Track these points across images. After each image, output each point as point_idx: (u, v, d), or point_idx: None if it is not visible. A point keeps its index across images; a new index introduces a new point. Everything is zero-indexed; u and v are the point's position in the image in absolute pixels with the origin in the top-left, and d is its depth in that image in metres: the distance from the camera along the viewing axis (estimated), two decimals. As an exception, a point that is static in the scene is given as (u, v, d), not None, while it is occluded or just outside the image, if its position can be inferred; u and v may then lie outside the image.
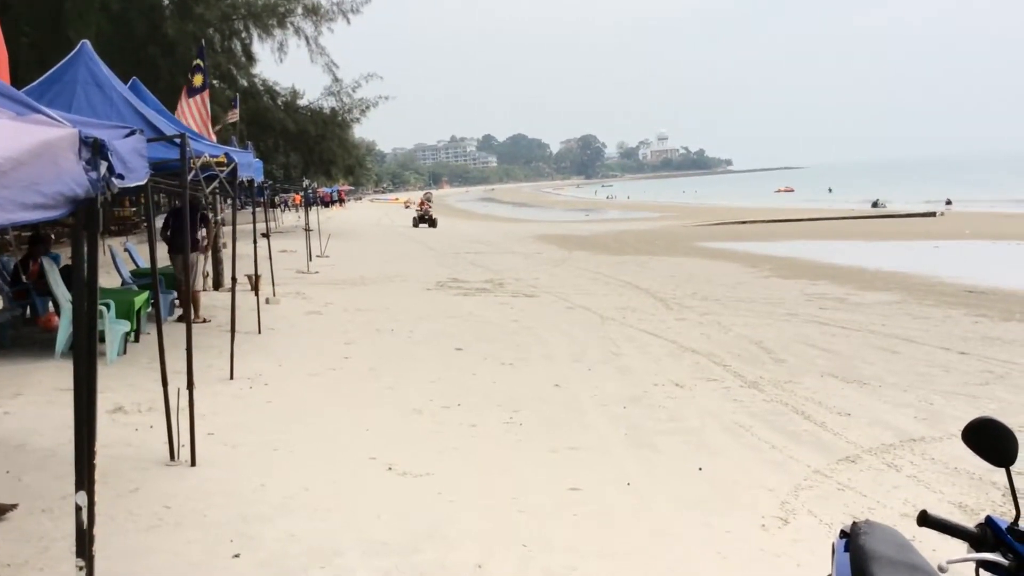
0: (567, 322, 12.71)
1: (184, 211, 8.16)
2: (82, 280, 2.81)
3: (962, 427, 2.29)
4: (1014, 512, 2.16)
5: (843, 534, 2.59)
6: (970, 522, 2.36)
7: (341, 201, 78.28)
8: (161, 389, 5.87)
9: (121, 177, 2.96)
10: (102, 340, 8.65)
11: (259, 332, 10.86)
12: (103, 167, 2.68)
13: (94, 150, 2.64)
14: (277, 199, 46.93)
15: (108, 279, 11.95)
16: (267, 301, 13.18)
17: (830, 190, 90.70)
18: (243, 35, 26.40)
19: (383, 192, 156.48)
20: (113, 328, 8.93)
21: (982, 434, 2.23)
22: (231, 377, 8.36)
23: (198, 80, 11.04)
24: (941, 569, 2.11)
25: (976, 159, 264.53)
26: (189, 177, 6.13)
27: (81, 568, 2.76)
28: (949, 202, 52.40)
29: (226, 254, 15.54)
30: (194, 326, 6.72)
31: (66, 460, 4.31)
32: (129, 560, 4.24)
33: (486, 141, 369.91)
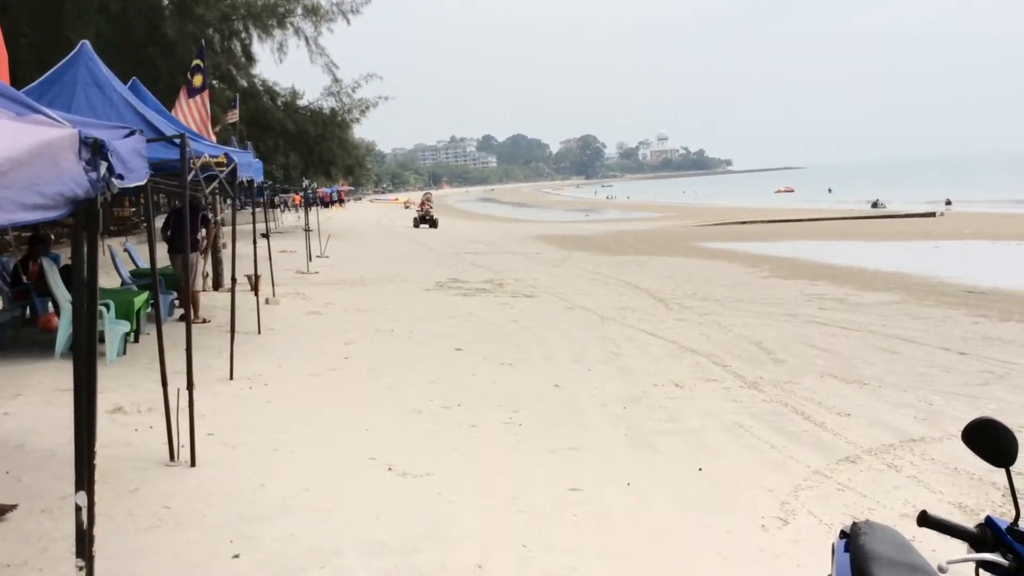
0: (567, 322, 12.71)
1: (184, 211, 8.17)
2: (82, 280, 2.81)
3: (962, 427, 2.29)
4: (1014, 512, 2.16)
5: (843, 534, 2.59)
6: (970, 522, 2.35)
7: (341, 201, 78.30)
8: (161, 389, 5.87)
9: (121, 177, 2.96)
10: (102, 340, 8.65)
11: (259, 332, 10.86)
12: (103, 167, 2.68)
13: (94, 150, 2.64)
14: (277, 199, 46.93)
15: (108, 279, 11.96)
16: (267, 301, 13.18)
17: (830, 190, 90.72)
18: (243, 35, 26.41)
19: (383, 192, 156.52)
20: (113, 328, 8.93)
21: (982, 434, 2.23)
22: (231, 377, 8.36)
23: (198, 80, 11.04)
24: (941, 569, 2.11)
25: (976, 159, 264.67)
26: (189, 177, 6.13)
27: (81, 568, 2.76)
28: (949, 202, 52.39)
29: (226, 254, 15.56)
30: (194, 326, 6.72)
31: (66, 460, 4.32)
32: (129, 560, 4.24)
33: (486, 141, 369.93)
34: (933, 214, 44.24)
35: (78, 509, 2.73)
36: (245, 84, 27.69)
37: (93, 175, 2.61)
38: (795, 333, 11.62)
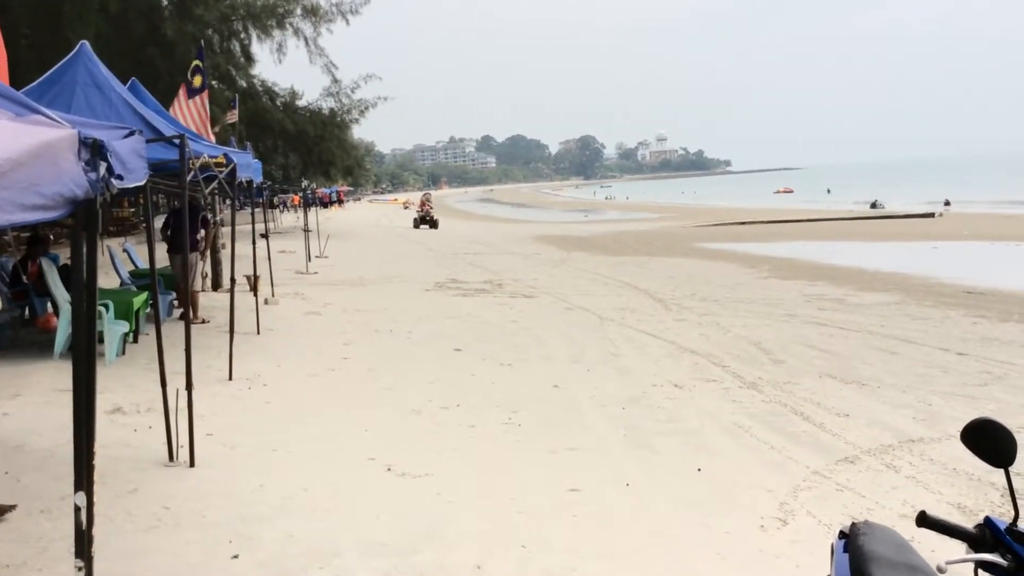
0: (566, 323, 12.71)
1: (183, 212, 8.18)
2: (81, 281, 2.81)
3: (961, 428, 2.29)
4: (1013, 513, 2.16)
5: (842, 535, 2.59)
6: (969, 523, 2.36)
7: (340, 202, 78.27)
8: (160, 390, 5.87)
9: (120, 178, 2.96)
10: (101, 341, 8.65)
11: (258, 333, 10.86)
12: (102, 168, 2.68)
13: (93, 151, 2.64)
14: (276, 200, 46.93)
15: (107, 280, 11.95)
16: (266, 302, 13.18)
17: (829, 191, 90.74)
18: (242, 36, 26.41)
19: (382, 193, 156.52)
20: (112, 329, 8.92)
21: (981, 435, 2.23)
22: (230, 378, 8.36)
23: (197, 81, 11.04)
24: (940, 570, 2.11)
25: (975, 160, 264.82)
26: (188, 178, 6.13)
27: (80, 569, 2.76)
28: (948, 203, 52.42)
29: (225, 255, 15.56)
30: (193, 327, 6.72)
31: (65, 461, 4.32)
32: (128, 561, 4.24)
33: (485, 142, 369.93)
34: (932, 215, 44.27)
35: (77, 509, 2.73)
36: (244, 84, 27.69)
37: (92, 175, 2.61)
38: (794, 334, 11.63)
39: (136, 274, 12.90)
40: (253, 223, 11.24)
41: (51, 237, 12.60)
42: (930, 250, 25.48)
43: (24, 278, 9.90)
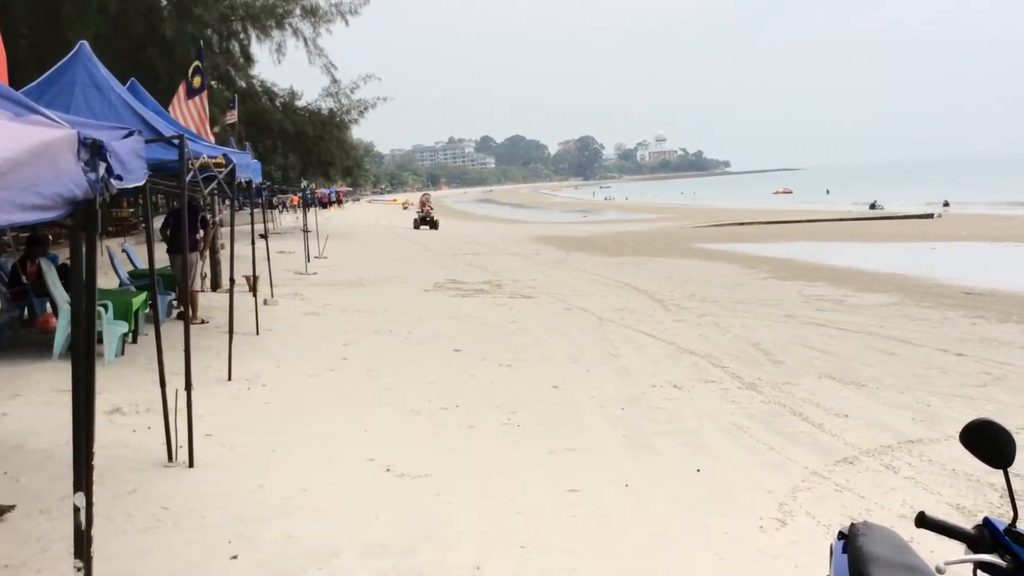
0: (565, 323, 12.72)
1: (182, 212, 8.18)
2: (80, 281, 2.81)
3: (960, 429, 2.29)
4: (1012, 513, 2.16)
5: (841, 535, 2.59)
6: (968, 523, 2.36)
7: (339, 202, 78.27)
8: (159, 390, 5.87)
9: (120, 178, 2.96)
10: (100, 341, 8.65)
11: (257, 333, 10.86)
12: (102, 168, 2.68)
13: (93, 151, 2.64)
14: (275, 200, 46.93)
15: (106, 280, 11.94)
16: (265, 302, 13.17)
17: (828, 192, 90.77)
18: (241, 36, 26.35)
19: (381, 193, 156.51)
20: (111, 329, 8.92)
21: (980, 436, 2.24)
22: (229, 378, 8.36)
23: (196, 81, 11.05)
24: (939, 570, 2.12)
25: (974, 161, 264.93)
26: (187, 178, 6.13)
27: (79, 569, 2.76)
28: (947, 204, 52.43)
29: (224, 255, 15.55)
30: (192, 327, 6.71)
31: (64, 461, 4.32)
32: (127, 561, 4.23)
33: (484, 142, 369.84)
34: (931, 215, 44.29)
35: (76, 510, 2.73)
36: (244, 85, 27.65)
37: (92, 176, 2.61)
38: (793, 334, 11.63)
39: (135, 274, 12.89)
40: (252, 223, 11.24)
41: (50, 237, 12.60)
42: (929, 251, 25.49)
43: (23, 278, 9.90)
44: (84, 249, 2.75)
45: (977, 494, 5.56)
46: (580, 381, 8.86)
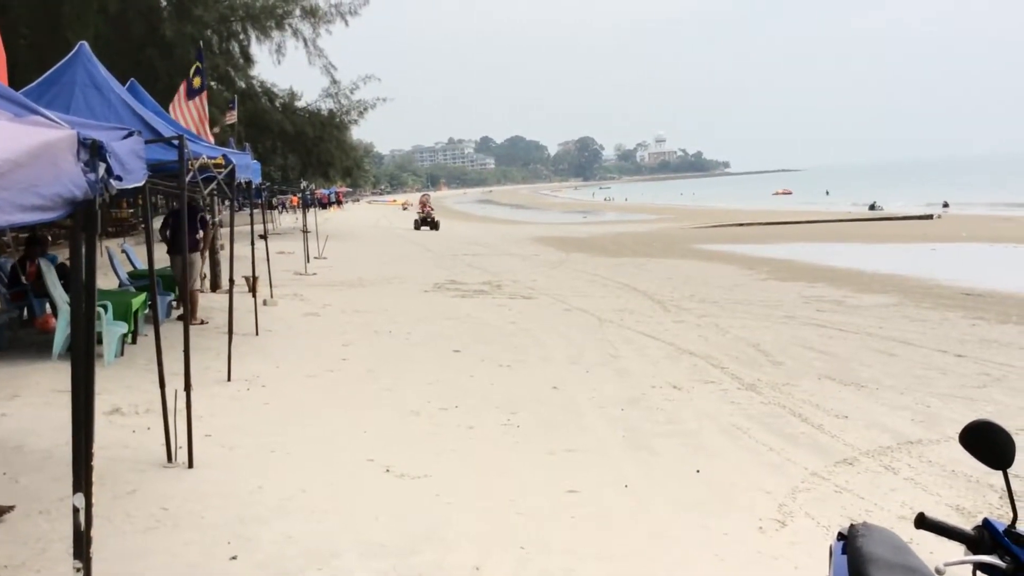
0: (565, 324, 12.72)
1: (182, 212, 8.18)
2: (80, 282, 2.81)
3: (959, 430, 2.29)
4: (1011, 514, 2.16)
5: (841, 536, 2.59)
6: (967, 525, 2.36)
7: (339, 203, 78.26)
8: (158, 391, 5.87)
9: (119, 179, 2.96)
10: (99, 342, 8.64)
11: (256, 334, 10.85)
12: (101, 169, 2.68)
13: (92, 152, 2.64)
14: (275, 201, 46.92)
15: (105, 281, 11.94)
16: (264, 303, 13.17)
17: (827, 193, 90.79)
18: (241, 37, 26.35)
19: (381, 194, 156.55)
20: (110, 330, 8.92)
21: (979, 437, 2.24)
22: (228, 379, 8.36)
23: (196, 82, 11.05)
24: (938, 571, 2.12)
25: (973, 162, 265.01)
26: (187, 179, 6.13)
27: (78, 570, 2.76)
28: (946, 205, 52.42)
29: (224, 256, 15.54)
30: (191, 328, 6.71)
31: (63, 462, 4.31)
32: (126, 562, 4.23)
33: (484, 143, 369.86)
34: (930, 216, 44.30)
35: (76, 510, 2.73)
36: (243, 85, 27.64)
37: (91, 176, 2.61)
38: (793, 335, 11.63)
39: (135, 275, 12.89)
40: (252, 224, 11.23)
41: (49, 238, 12.61)
42: (928, 252, 25.50)
43: (23, 279, 9.90)
44: (84, 250, 2.75)
45: (977, 495, 5.56)
46: (580, 382, 8.86)
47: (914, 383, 8.76)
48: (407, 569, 4.30)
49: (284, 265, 20.26)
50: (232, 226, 12.41)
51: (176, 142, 5.93)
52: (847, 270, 20.63)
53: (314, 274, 19.67)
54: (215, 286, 15.73)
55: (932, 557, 2.45)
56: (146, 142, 4.08)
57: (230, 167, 8.05)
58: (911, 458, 6.33)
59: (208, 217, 13.86)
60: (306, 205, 33.17)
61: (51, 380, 7.84)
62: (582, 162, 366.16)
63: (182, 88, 11.23)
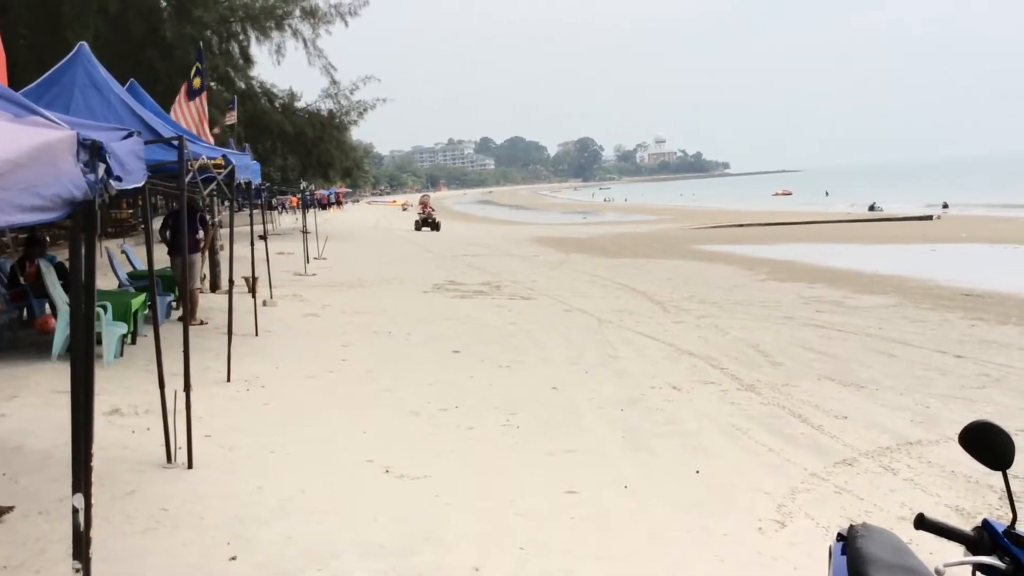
0: (564, 325, 12.72)
1: (182, 212, 8.18)
2: (79, 282, 2.81)
3: (959, 430, 2.29)
4: (1011, 515, 2.16)
5: (840, 537, 2.59)
6: (967, 525, 2.36)
7: (338, 203, 78.27)
8: (158, 391, 5.87)
9: (119, 179, 2.97)
10: (99, 342, 8.64)
11: (256, 334, 10.85)
12: (101, 169, 2.68)
13: (92, 152, 2.64)
14: (274, 201, 46.91)
15: (105, 281, 11.94)
16: (264, 303, 13.17)
17: (827, 193, 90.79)
18: (241, 37, 26.35)
19: (380, 194, 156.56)
20: (110, 330, 8.92)
21: (979, 438, 2.24)
22: (228, 379, 8.36)
23: (197, 83, 11.06)
24: (938, 572, 2.12)
25: (973, 163, 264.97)
26: (187, 179, 6.13)
27: (78, 570, 2.76)
28: (946, 205, 52.42)
29: (223, 256, 15.54)
30: (191, 328, 6.71)
31: (63, 462, 4.30)
32: (126, 562, 4.23)
33: (483, 143, 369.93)
34: (930, 217, 44.30)
35: (75, 511, 2.73)
36: (243, 86, 27.63)
37: (91, 177, 2.61)
38: (792, 336, 11.63)
39: (134, 275, 12.89)
40: (251, 225, 11.23)
41: (48, 239, 12.60)
42: (928, 252, 25.49)
43: (22, 279, 9.90)
44: (83, 250, 2.75)
45: (976, 496, 5.56)
46: (579, 382, 8.86)
47: (914, 384, 8.76)
48: (406, 570, 4.30)
49: (284, 266, 20.26)
50: (232, 227, 12.41)
51: (176, 143, 5.93)
52: (847, 271, 20.63)
53: (314, 275, 19.67)
54: (215, 287, 15.73)
55: (932, 558, 2.45)
56: (146, 143, 4.08)
57: (230, 168, 8.06)
58: (911, 459, 6.33)
59: (208, 217, 13.86)
60: (306, 206, 33.17)
61: (50, 380, 7.84)
62: (582, 163, 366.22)
63: (183, 89, 11.24)
